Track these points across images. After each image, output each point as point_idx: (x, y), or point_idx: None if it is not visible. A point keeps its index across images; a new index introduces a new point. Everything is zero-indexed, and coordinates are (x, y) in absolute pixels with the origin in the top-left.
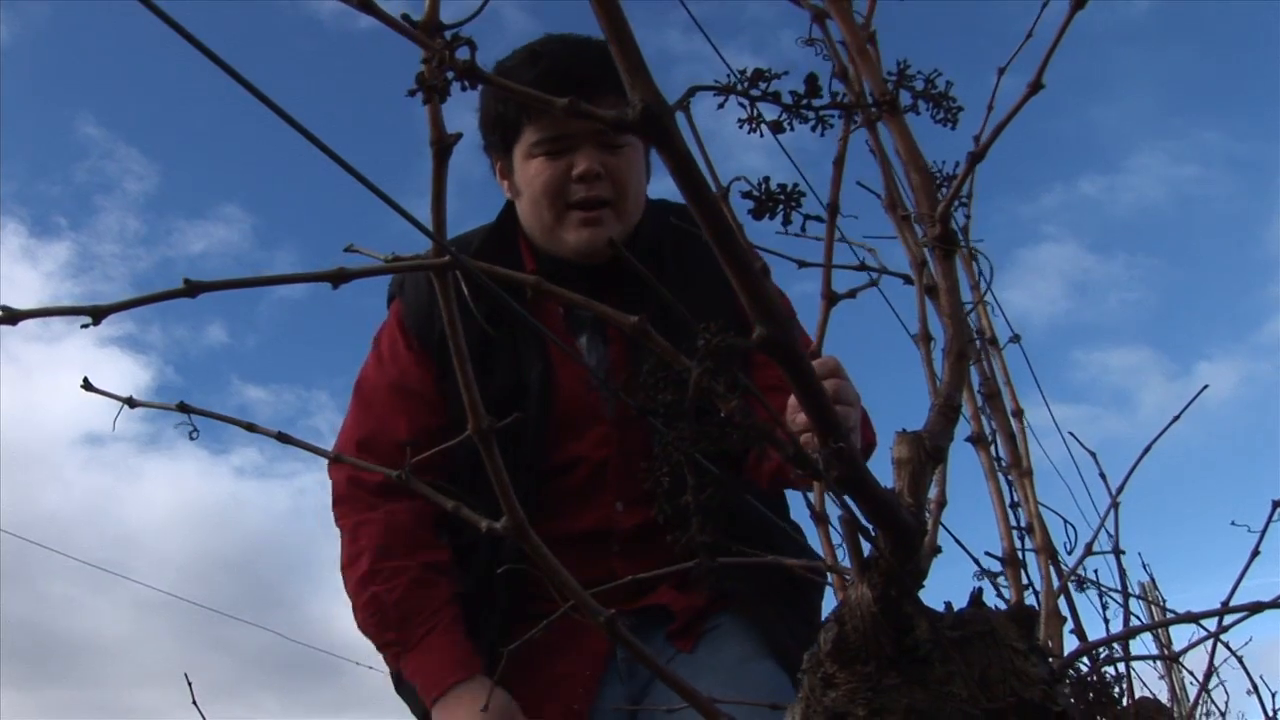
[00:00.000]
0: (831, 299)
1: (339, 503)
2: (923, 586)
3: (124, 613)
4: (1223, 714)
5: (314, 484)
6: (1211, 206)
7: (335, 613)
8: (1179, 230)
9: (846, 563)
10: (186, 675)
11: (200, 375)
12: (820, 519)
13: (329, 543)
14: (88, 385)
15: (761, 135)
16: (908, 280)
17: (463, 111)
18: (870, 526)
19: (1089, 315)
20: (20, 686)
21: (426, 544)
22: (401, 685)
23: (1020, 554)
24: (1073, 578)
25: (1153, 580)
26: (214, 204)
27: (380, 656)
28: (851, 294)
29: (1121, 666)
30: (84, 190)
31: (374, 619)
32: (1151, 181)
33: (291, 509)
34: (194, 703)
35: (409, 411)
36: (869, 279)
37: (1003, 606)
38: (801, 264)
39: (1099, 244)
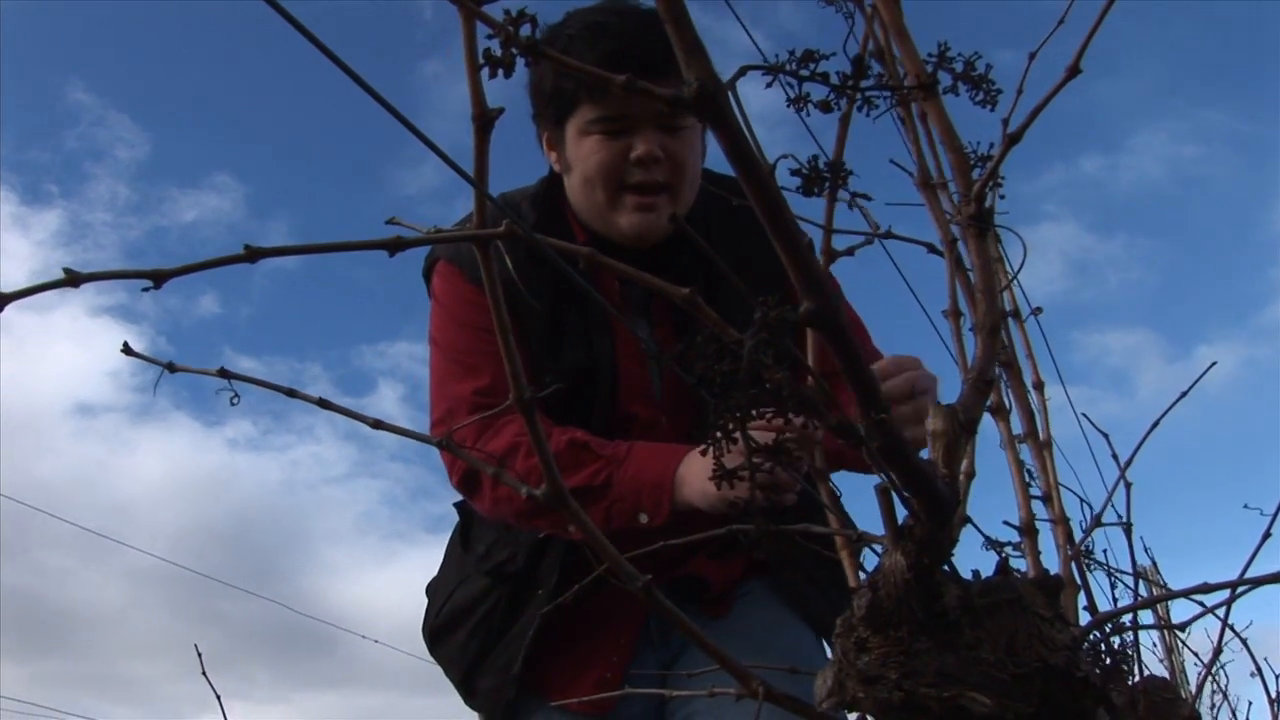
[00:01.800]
0: (831, 256)
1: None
2: (953, 554)
3: (117, 584)
4: (1225, 696)
5: (307, 457)
6: (1213, 187)
7: (329, 586)
8: (1180, 211)
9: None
10: (196, 646)
11: (193, 345)
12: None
13: (321, 516)
14: (128, 349)
15: (810, 114)
16: (932, 249)
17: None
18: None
19: (1088, 296)
20: (13, 657)
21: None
22: (612, 512)
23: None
24: (1083, 555)
25: (1154, 564)
26: (206, 173)
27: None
28: (850, 251)
29: (1131, 640)
30: (74, 157)
31: (565, 462)
32: (1153, 161)
33: (284, 482)
34: (204, 673)
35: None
36: (865, 238)
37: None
38: (828, 231)
39: (1099, 223)
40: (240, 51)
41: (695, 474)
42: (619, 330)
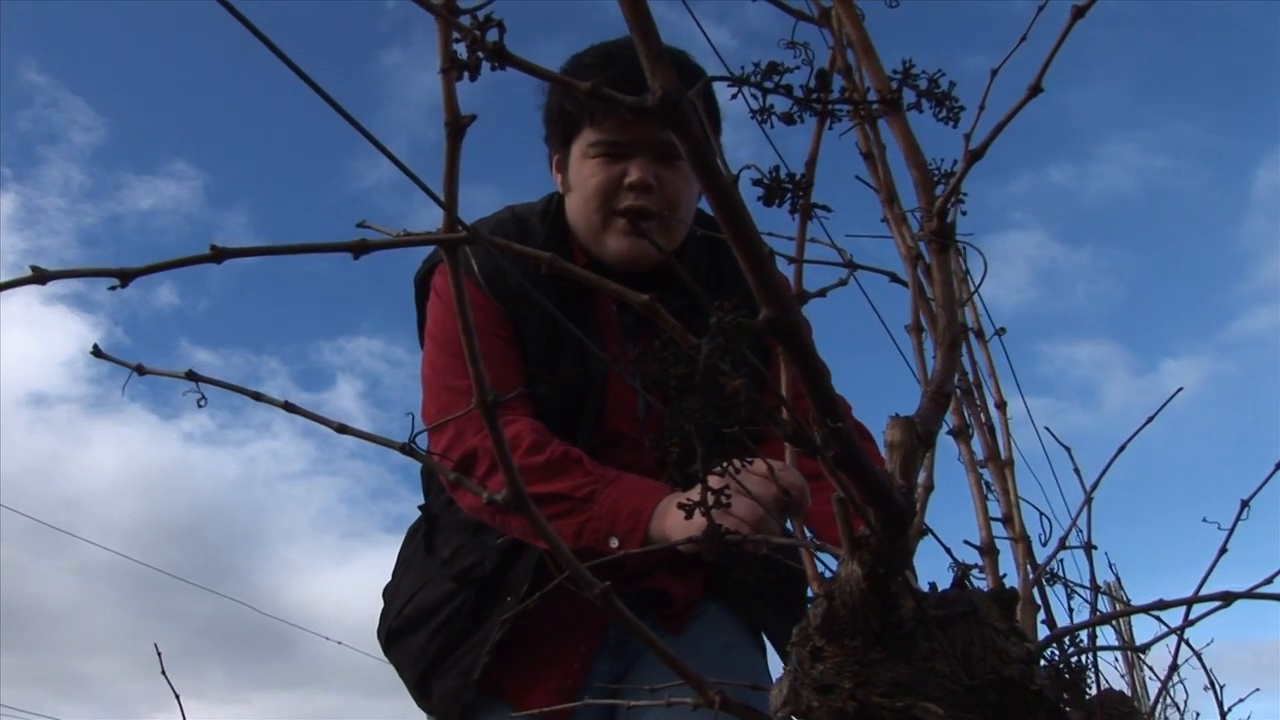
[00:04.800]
0: (802, 297)
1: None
2: (909, 566)
3: (69, 579)
4: (1181, 712)
5: (265, 453)
6: (1182, 200)
7: (285, 585)
8: (1149, 222)
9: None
10: (156, 645)
11: (149, 337)
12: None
13: (278, 514)
14: (97, 352)
15: (773, 125)
16: (893, 278)
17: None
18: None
19: (1055, 306)
20: None
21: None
22: (586, 528)
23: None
24: (1047, 575)
25: (1118, 580)
26: (164, 160)
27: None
28: (822, 293)
29: (1089, 655)
30: (27, 140)
31: (556, 468)
32: (1122, 171)
33: (241, 477)
34: (163, 672)
35: (506, 354)
36: (839, 279)
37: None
38: (790, 259)
39: (1067, 233)
40: (199, 37)
41: (677, 510)
42: (613, 353)
